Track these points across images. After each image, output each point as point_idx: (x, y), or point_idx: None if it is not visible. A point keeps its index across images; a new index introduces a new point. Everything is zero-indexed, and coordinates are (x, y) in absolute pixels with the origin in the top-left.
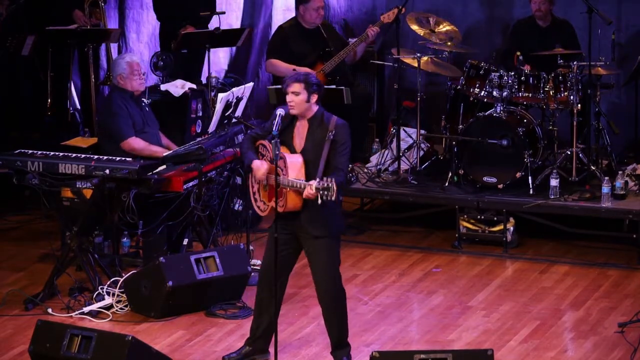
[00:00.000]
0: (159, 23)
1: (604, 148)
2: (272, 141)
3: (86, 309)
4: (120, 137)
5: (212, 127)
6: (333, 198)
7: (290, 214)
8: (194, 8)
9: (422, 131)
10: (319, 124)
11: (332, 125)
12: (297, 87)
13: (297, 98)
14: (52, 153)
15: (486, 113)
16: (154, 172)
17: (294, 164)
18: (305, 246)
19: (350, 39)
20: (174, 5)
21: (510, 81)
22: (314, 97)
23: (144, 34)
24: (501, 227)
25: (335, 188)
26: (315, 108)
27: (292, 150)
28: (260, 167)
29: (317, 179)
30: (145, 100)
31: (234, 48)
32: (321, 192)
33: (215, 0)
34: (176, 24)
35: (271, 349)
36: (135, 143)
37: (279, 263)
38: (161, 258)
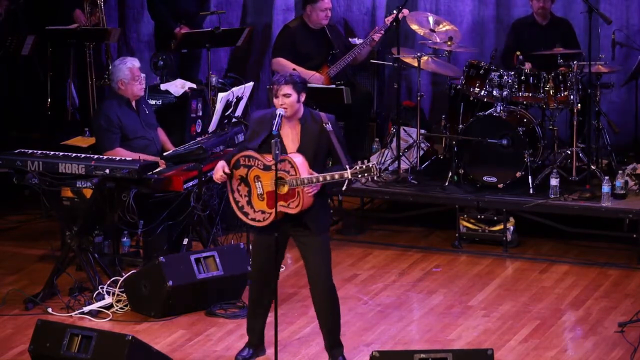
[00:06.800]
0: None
1: (604, 147)
2: (273, 141)
3: (86, 309)
4: (102, 149)
5: (212, 127)
6: (376, 177)
7: (286, 214)
8: (188, 8)
9: (422, 131)
10: (311, 121)
11: (325, 118)
12: (287, 89)
13: (289, 100)
14: (52, 153)
15: (486, 113)
16: (154, 171)
17: (302, 163)
18: (300, 244)
19: (350, 39)
20: (168, 5)
21: (510, 81)
22: (303, 96)
23: (144, 33)
24: (501, 226)
25: (377, 167)
26: (302, 107)
27: (284, 152)
28: (219, 167)
29: (347, 166)
30: (148, 101)
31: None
32: (365, 175)
33: (210, 0)
34: (171, 23)
35: (271, 349)
36: (114, 155)
37: (273, 265)
38: (161, 258)
